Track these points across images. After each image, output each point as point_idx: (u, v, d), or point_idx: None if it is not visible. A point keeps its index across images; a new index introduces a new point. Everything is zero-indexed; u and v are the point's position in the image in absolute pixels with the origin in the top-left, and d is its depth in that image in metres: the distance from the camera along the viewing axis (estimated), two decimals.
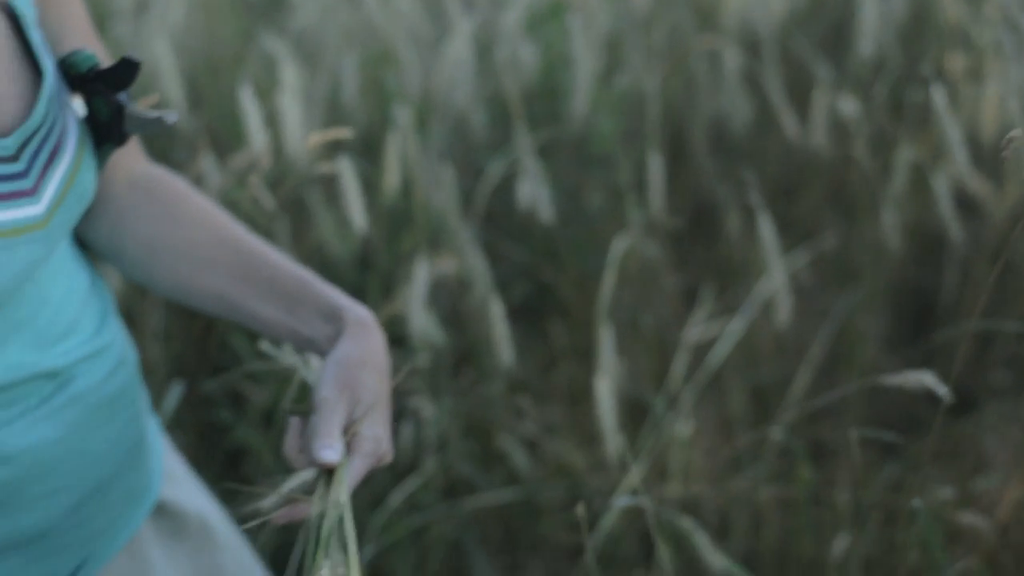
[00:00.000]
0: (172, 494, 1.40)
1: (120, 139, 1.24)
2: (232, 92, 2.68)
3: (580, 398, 2.28)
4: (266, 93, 2.33)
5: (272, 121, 2.15)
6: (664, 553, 1.65)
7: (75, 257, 1.29)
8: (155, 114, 1.24)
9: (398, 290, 2.12)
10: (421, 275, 1.91)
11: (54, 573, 1.24)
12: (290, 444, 1.16)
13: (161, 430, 1.47)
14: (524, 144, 2.33)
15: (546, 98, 2.72)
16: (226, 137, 2.53)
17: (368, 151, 2.40)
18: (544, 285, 2.52)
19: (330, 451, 1.09)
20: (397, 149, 2.10)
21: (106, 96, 1.22)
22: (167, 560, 1.38)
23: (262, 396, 2.05)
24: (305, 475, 1.16)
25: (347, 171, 1.87)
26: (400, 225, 2.29)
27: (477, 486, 2.10)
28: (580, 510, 1.30)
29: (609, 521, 1.57)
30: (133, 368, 1.33)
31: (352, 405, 1.15)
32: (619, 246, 2.08)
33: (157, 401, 1.92)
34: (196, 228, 1.33)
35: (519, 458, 2.11)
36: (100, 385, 1.26)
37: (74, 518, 1.24)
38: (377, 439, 1.15)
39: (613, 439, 1.89)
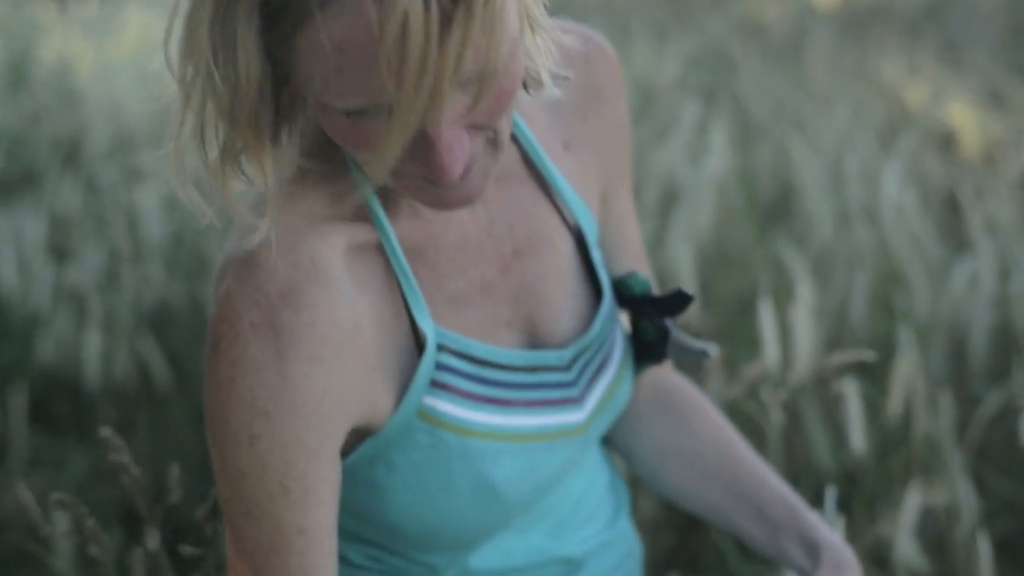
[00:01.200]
0: None
1: (660, 360, 1.33)
2: (742, 296, 2.80)
3: None
4: (776, 301, 2.42)
5: (782, 332, 2.23)
6: None
7: (599, 454, 1.38)
8: (700, 345, 1.33)
9: (883, 511, 2.14)
10: (912, 503, 1.93)
11: None
12: None
13: None
14: None
15: None
16: (734, 338, 2.63)
17: (869, 370, 2.45)
18: None
19: None
20: (904, 374, 2.13)
21: (654, 319, 1.30)
22: None
23: None
24: None
25: (852, 394, 1.93)
26: (891, 446, 2.32)
27: None
28: None
29: None
30: (638, 561, 1.43)
31: None
32: None
33: None
34: (706, 443, 1.42)
35: None
36: (608, 573, 1.35)
37: None
38: None
39: None
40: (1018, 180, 3.28)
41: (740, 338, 2.55)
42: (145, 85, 4.31)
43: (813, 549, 1.30)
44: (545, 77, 1.08)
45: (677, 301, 1.29)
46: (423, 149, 0.97)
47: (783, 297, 2.30)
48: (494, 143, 1.02)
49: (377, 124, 0.95)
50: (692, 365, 1.39)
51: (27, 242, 3.22)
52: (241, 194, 1.07)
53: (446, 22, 0.88)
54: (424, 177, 1.00)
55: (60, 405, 3.01)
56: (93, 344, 2.82)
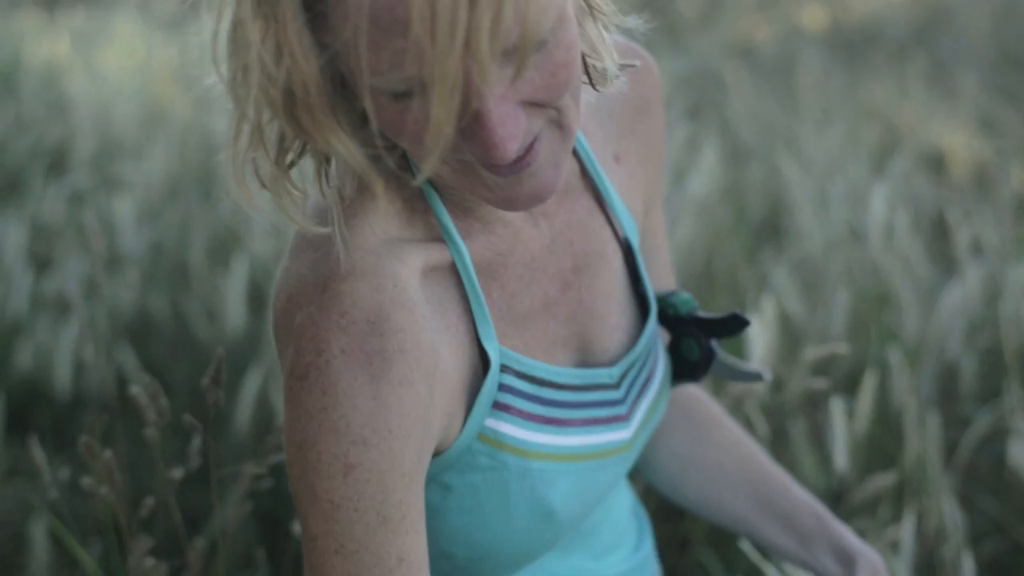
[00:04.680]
0: None
1: (699, 379, 1.31)
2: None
3: None
4: (763, 318, 2.41)
5: (763, 348, 2.23)
6: None
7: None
8: (752, 368, 1.31)
9: (870, 530, 2.13)
10: (907, 527, 1.91)
11: None
12: None
13: None
14: (1015, 399, 2.31)
15: None
16: None
17: (854, 389, 2.44)
18: (1018, 544, 2.46)
19: None
20: (878, 391, 2.12)
21: (700, 340, 1.29)
22: None
23: None
24: None
25: (837, 412, 1.92)
26: (879, 464, 2.31)
27: None
28: None
29: None
30: None
31: None
32: None
33: None
34: (727, 454, 1.42)
35: None
36: None
37: None
38: None
39: None
40: (1008, 202, 3.27)
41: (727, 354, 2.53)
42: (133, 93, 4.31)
43: (846, 557, 1.31)
44: (611, 68, 1.04)
45: (732, 324, 1.27)
46: (477, 129, 0.93)
47: (770, 315, 2.28)
48: (559, 125, 0.98)
49: (425, 107, 0.90)
50: (743, 383, 1.38)
51: (8, 250, 3.19)
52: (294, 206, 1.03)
53: None
54: (484, 162, 0.96)
55: (38, 415, 2.98)
56: (71, 353, 2.79)
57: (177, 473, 1.50)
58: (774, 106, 4.64)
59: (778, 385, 2.38)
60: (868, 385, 2.15)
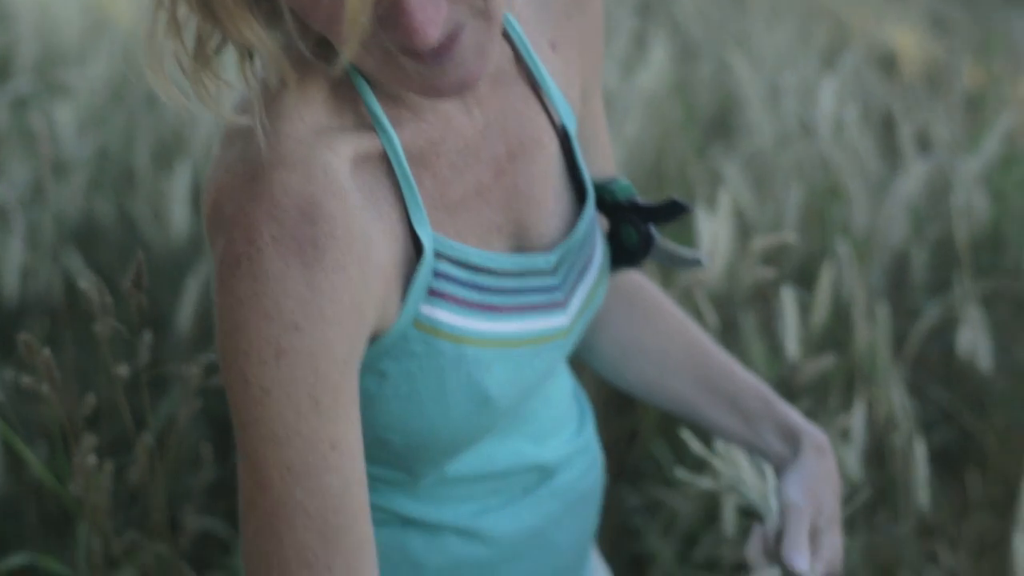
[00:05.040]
0: None
1: (638, 264, 1.31)
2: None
3: (991, 550, 2.22)
4: (712, 212, 2.41)
5: (713, 240, 2.23)
6: None
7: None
8: (690, 254, 1.31)
9: (820, 419, 2.14)
10: (857, 415, 1.93)
11: None
12: (754, 548, 1.22)
13: None
14: (966, 291, 2.32)
15: (992, 248, 2.69)
16: None
17: (805, 282, 2.45)
18: (967, 432, 2.49)
19: (801, 558, 1.17)
20: (832, 281, 2.13)
21: (638, 226, 1.28)
22: None
23: (685, 507, 2.11)
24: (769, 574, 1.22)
25: (788, 300, 1.92)
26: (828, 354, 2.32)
27: None
28: None
29: None
30: (600, 472, 1.42)
31: (816, 514, 1.22)
32: None
33: None
34: (669, 338, 1.42)
35: None
36: (577, 481, 1.34)
37: None
38: (835, 549, 1.23)
39: None
40: (959, 97, 3.27)
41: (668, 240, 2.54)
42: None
43: (791, 436, 1.31)
44: None
45: (670, 210, 1.26)
46: (396, 15, 0.92)
47: (716, 207, 2.28)
48: (484, 14, 0.97)
49: None
50: (682, 269, 1.37)
51: None
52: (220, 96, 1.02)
53: None
54: (405, 50, 0.95)
55: None
56: (16, 259, 2.75)
57: (123, 370, 1.48)
58: (724, 3, 4.61)
59: (729, 276, 2.38)
60: (825, 277, 2.15)
